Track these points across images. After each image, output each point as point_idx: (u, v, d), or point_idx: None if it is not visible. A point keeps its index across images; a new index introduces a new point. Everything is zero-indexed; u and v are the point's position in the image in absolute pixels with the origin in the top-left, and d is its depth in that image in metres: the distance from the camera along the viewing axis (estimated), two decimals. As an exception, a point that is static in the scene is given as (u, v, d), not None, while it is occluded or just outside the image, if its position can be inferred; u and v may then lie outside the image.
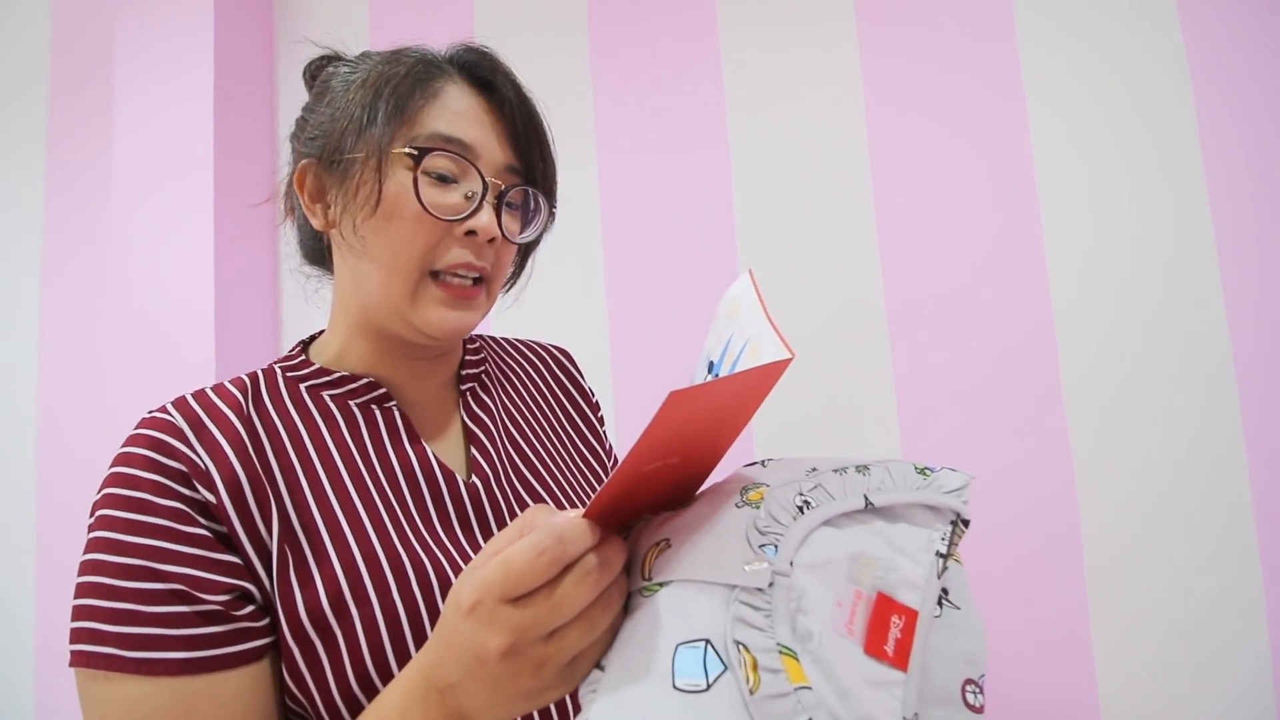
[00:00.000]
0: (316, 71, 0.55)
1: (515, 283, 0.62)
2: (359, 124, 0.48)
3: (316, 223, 0.53)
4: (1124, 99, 0.96)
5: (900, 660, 0.32)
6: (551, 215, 0.57)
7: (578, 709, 0.36)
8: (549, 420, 0.64)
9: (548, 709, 0.49)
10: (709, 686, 0.29)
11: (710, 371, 0.44)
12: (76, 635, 0.40)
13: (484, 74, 0.52)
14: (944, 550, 0.35)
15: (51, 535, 1.35)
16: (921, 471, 0.39)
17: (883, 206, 1.05)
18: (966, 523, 0.37)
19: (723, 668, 0.30)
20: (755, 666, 0.29)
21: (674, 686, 0.30)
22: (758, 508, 0.36)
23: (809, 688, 0.29)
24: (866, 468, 0.39)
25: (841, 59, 1.07)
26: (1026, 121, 1.00)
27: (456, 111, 0.50)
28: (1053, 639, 0.94)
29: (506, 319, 0.59)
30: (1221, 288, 0.91)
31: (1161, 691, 0.90)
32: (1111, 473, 0.94)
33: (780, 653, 0.30)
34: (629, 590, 0.36)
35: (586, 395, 0.69)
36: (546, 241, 0.60)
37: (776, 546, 0.34)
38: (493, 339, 0.68)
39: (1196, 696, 0.88)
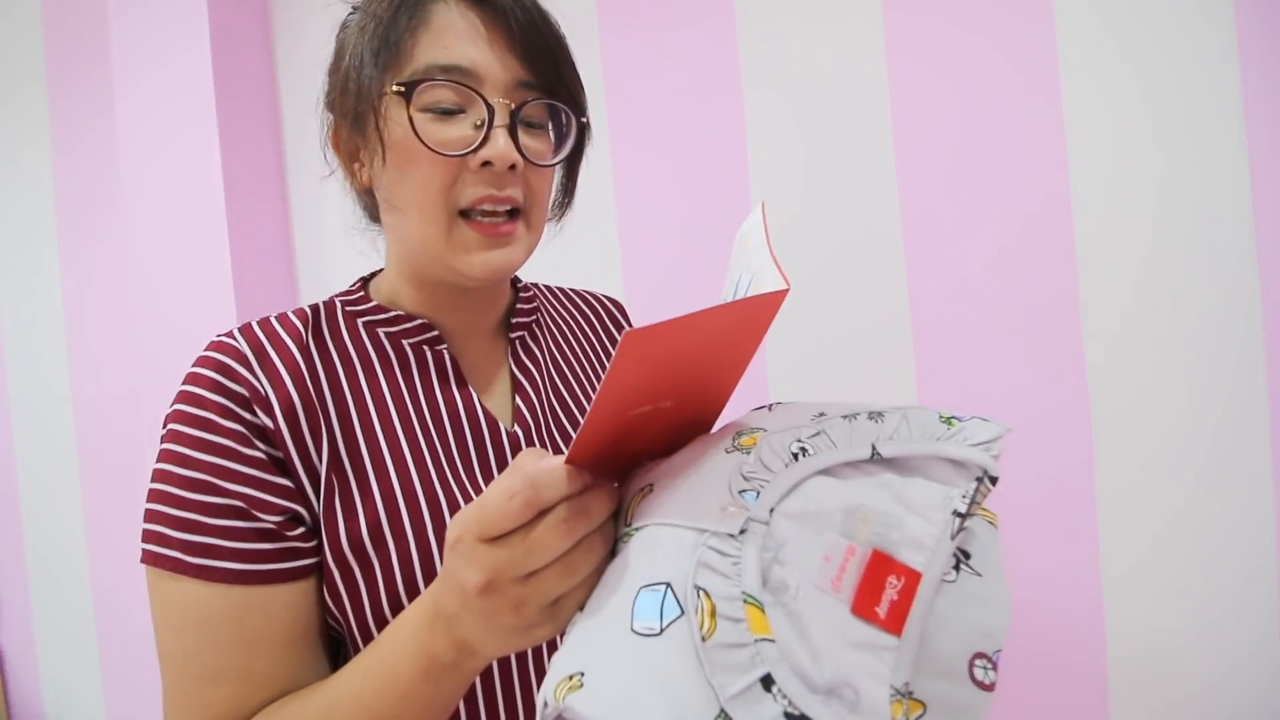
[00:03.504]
0: (342, 26, 0.53)
1: (565, 209, 0.58)
2: (357, 73, 0.47)
3: (356, 182, 0.52)
4: (1159, 20, 0.85)
5: (894, 624, 0.29)
6: (583, 127, 0.52)
7: None
8: (596, 372, 0.63)
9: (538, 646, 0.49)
10: (662, 631, 0.28)
11: None
12: (146, 536, 0.43)
13: None
14: (963, 509, 0.31)
15: (94, 481, 1.50)
16: (947, 421, 0.34)
17: (901, 131, 0.97)
18: (994, 480, 0.32)
19: (679, 612, 0.28)
20: (713, 613, 0.28)
21: (631, 629, 0.29)
22: (748, 453, 0.33)
23: (771, 640, 0.27)
24: (881, 415, 0.35)
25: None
26: (1055, 41, 0.89)
27: (449, 33, 0.46)
28: (1063, 574, 0.92)
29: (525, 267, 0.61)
30: (1254, 230, 0.83)
31: (1169, 625, 0.88)
32: (1128, 402, 0.89)
33: (744, 602, 0.28)
34: (615, 536, 0.35)
35: None
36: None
37: (758, 493, 0.31)
38: (547, 288, 0.67)
39: (1203, 643, 0.86)
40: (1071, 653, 0.91)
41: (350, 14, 0.52)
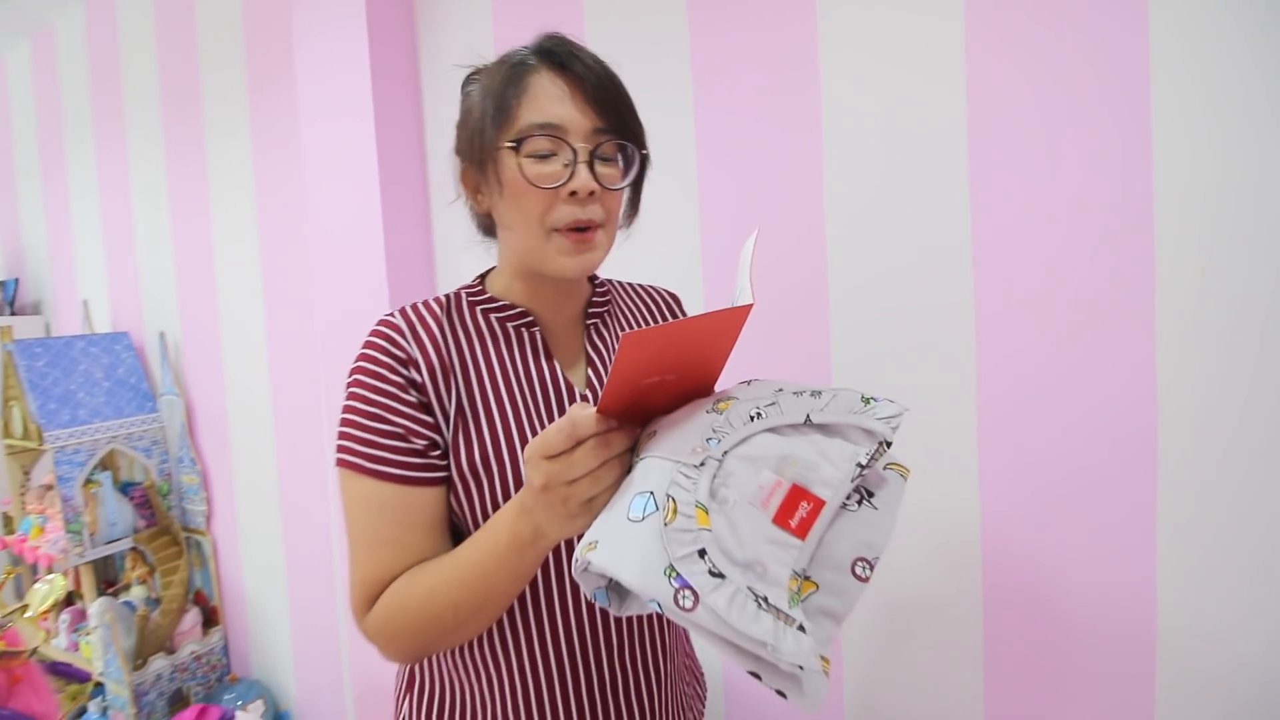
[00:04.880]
0: (463, 87, 0.70)
1: (632, 219, 0.74)
2: (481, 132, 0.64)
3: (480, 209, 0.71)
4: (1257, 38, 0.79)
5: (801, 532, 0.44)
6: (644, 158, 0.67)
7: None
8: None
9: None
10: (644, 519, 0.44)
11: None
12: (340, 449, 0.63)
13: (561, 58, 0.63)
14: (864, 462, 0.45)
15: (283, 428, 1.94)
16: (865, 401, 0.48)
17: (977, 149, 0.97)
18: (889, 444, 0.46)
19: (656, 509, 0.44)
20: (675, 511, 0.44)
21: (628, 518, 0.45)
22: (721, 414, 0.49)
23: (709, 530, 0.43)
24: (820, 393, 0.49)
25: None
26: (1147, 57, 0.85)
27: (542, 97, 0.62)
28: (1118, 569, 0.93)
29: (617, 260, 0.73)
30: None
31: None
32: (1197, 409, 0.87)
33: (696, 505, 0.44)
34: (630, 461, 0.51)
35: None
36: (650, 193, 0.72)
37: (719, 440, 0.46)
38: (619, 284, 0.82)
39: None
40: (1120, 649, 0.92)
41: (471, 83, 0.70)
